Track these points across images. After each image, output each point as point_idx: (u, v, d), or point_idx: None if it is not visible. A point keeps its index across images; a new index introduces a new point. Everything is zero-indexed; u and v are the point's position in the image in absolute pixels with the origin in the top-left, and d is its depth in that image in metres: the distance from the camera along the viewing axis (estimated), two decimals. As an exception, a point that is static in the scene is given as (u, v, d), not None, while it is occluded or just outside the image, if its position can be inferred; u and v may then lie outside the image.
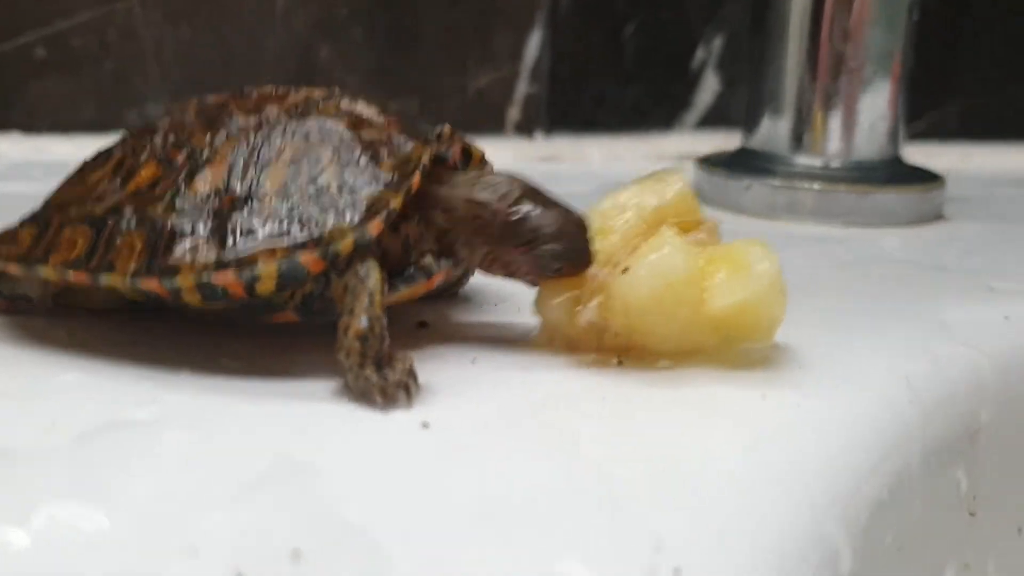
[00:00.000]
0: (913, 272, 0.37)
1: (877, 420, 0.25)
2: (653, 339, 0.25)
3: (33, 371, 0.24)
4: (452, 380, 0.24)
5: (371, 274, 0.23)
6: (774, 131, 0.46)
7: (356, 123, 0.26)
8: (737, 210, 0.45)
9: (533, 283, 0.26)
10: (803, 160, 0.45)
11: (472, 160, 0.28)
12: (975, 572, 0.30)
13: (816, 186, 0.44)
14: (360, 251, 0.24)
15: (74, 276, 0.24)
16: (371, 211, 0.24)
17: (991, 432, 0.30)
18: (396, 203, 0.24)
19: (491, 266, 0.26)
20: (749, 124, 0.48)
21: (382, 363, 0.23)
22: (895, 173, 0.46)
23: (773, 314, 0.25)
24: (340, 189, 0.24)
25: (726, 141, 0.52)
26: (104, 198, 0.25)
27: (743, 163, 0.47)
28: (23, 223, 0.26)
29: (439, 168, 0.26)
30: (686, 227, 0.26)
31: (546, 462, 0.21)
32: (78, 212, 0.25)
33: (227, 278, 0.23)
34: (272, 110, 0.26)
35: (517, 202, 0.25)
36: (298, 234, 0.23)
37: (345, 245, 0.23)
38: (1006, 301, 0.34)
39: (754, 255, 0.25)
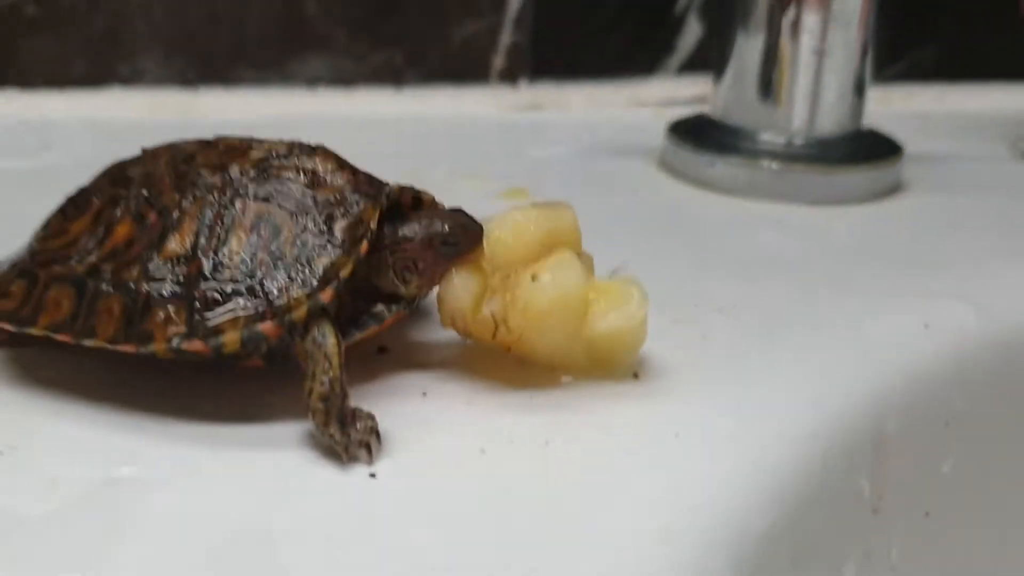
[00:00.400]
0: (848, 267, 0.40)
1: (775, 448, 0.29)
2: (539, 340, 0.29)
3: (34, 420, 0.27)
4: (402, 420, 0.28)
5: (327, 339, 0.26)
6: (741, 105, 0.48)
7: (312, 183, 0.28)
8: (701, 184, 0.48)
9: (439, 280, 0.29)
10: (766, 137, 0.47)
11: (423, 200, 0.30)
12: (877, 559, 0.34)
13: (775, 165, 0.46)
14: (314, 315, 0.27)
15: (60, 338, 0.27)
16: (323, 281, 0.27)
17: (897, 441, 0.33)
18: (346, 272, 0.27)
19: (403, 271, 0.29)
20: (717, 97, 0.49)
21: (345, 421, 0.26)
22: (855, 149, 0.48)
23: (635, 348, 0.30)
24: (296, 257, 0.27)
25: (708, 87, 0.53)
26: (85, 255, 0.28)
27: (709, 137, 0.49)
28: (14, 275, 0.29)
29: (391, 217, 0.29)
30: None
31: (477, 518, 0.24)
32: (62, 270, 0.28)
33: (195, 345, 0.26)
34: (235, 169, 0.28)
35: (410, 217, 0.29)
36: (258, 305, 0.26)
37: (299, 314, 0.26)
38: (931, 305, 0.37)
39: (633, 297, 0.29)
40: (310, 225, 0.27)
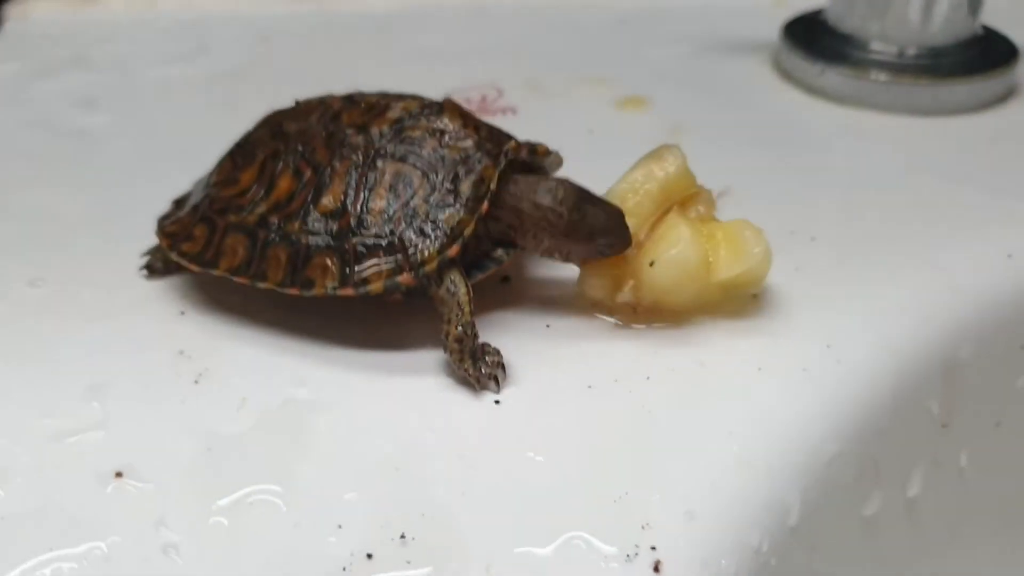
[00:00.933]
0: (941, 188, 0.42)
1: (847, 380, 0.33)
2: (673, 305, 0.33)
3: (225, 344, 0.33)
4: (524, 352, 0.32)
5: (459, 289, 0.31)
6: (855, 11, 0.49)
7: (440, 142, 0.32)
8: (811, 91, 0.50)
9: (582, 264, 0.33)
10: (877, 46, 0.49)
11: (538, 153, 0.34)
12: (946, 467, 0.38)
13: (883, 77, 0.48)
14: (444, 266, 0.31)
15: (237, 280, 0.33)
16: (451, 238, 0.31)
17: (969, 366, 0.36)
18: (469, 230, 0.31)
19: (550, 254, 0.33)
20: (834, 3, 0.50)
21: (476, 356, 0.31)
22: (968, 58, 0.48)
23: (761, 280, 0.34)
24: (427, 214, 0.31)
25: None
26: (254, 206, 0.33)
27: (821, 43, 0.50)
28: (196, 219, 0.34)
29: (508, 171, 0.33)
30: (686, 200, 0.33)
31: (581, 444, 0.30)
32: (236, 219, 0.33)
33: (347, 291, 0.31)
34: (375, 130, 0.33)
35: (576, 206, 0.32)
36: (397, 258, 0.31)
37: (431, 267, 0.31)
38: (1016, 234, 0.39)
39: (749, 239, 0.33)
40: (439, 183, 0.32)
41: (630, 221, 0.33)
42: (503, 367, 0.31)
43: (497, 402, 0.31)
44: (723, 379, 0.32)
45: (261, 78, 0.53)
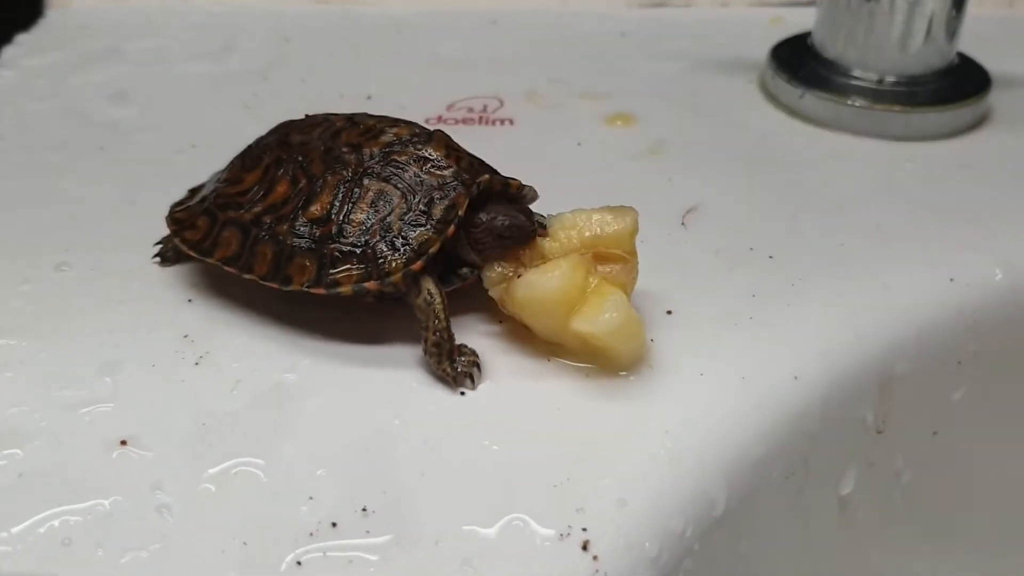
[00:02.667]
0: (899, 211, 0.45)
1: (781, 388, 0.36)
2: (531, 327, 0.36)
3: (224, 331, 0.37)
4: (495, 348, 0.36)
5: (435, 299, 0.35)
6: (837, 38, 0.52)
7: (422, 168, 0.36)
8: (793, 113, 0.53)
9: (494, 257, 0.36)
10: (858, 73, 0.52)
11: (511, 187, 0.37)
12: (881, 469, 0.41)
13: (859, 103, 0.51)
14: (408, 277, 0.35)
15: (228, 269, 0.37)
16: (417, 253, 0.35)
17: (905, 380, 0.40)
18: (435, 248, 0.35)
19: (474, 245, 0.36)
20: (818, 29, 0.53)
21: (453, 356, 0.35)
22: (942, 87, 0.51)
23: (621, 352, 0.35)
24: (400, 230, 0.35)
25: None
26: (252, 205, 0.37)
27: (805, 67, 0.53)
28: (200, 211, 0.38)
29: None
30: (609, 257, 0.35)
31: (532, 432, 0.33)
32: (235, 215, 0.37)
33: (319, 290, 0.35)
34: (367, 152, 0.36)
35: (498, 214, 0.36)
36: (367, 266, 0.35)
37: (396, 278, 0.35)
38: (963, 258, 0.42)
39: (607, 304, 0.34)
40: (415, 204, 0.35)
41: (553, 245, 0.36)
42: (478, 366, 0.35)
43: (463, 393, 0.35)
44: (668, 382, 0.36)
45: (282, 78, 0.57)
